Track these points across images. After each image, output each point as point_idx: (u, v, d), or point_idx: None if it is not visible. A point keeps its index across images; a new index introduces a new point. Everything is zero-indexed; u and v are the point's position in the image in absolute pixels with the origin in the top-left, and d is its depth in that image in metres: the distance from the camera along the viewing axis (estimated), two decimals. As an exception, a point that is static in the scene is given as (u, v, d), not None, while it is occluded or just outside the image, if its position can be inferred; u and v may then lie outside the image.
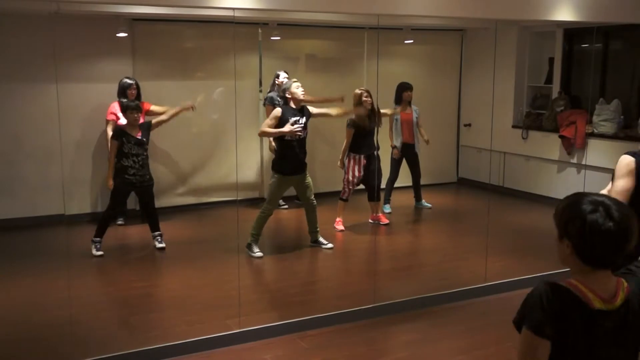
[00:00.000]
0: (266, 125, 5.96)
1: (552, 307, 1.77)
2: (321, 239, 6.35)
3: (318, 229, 6.37)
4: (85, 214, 7.24)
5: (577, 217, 1.79)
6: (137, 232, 6.86)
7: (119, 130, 6.11)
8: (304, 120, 5.98)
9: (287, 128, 5.85)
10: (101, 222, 6.08)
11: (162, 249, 6.22)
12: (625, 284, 1.86)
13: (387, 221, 7.26)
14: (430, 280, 5.49)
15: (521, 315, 1.84)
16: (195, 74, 7.86)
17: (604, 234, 1.75)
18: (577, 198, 1.84)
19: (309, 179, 6.20)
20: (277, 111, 5.96)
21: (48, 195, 6.98)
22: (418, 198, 8.09)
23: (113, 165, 6.03)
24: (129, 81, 6.86)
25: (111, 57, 7.31)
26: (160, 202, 7.47)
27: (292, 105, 5.99)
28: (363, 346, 4.34)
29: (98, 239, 6.03)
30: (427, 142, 7.72)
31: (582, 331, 1.79)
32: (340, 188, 7.04)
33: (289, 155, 6.00)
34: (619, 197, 2.90)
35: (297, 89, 5.97)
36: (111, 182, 6.02)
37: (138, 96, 6.87)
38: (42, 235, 6.71)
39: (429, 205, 8.08)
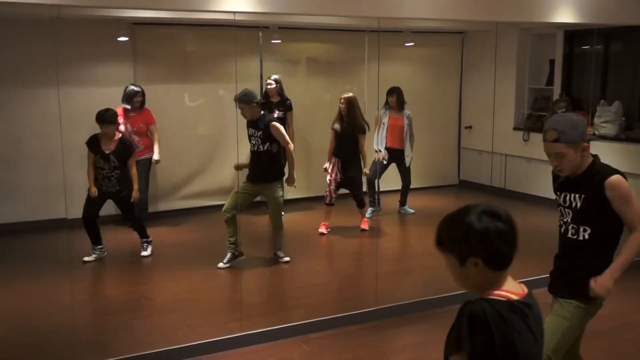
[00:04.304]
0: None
1: (497, 321, 1.74)
2: (280, 253, 6.09)
3: (279, 249, 6.10)
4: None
5: (471, 232, 1.82)
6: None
7: (91, 139, 5.93)
8: (259, 133, 5.78)
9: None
10: (85, 228, 5.94)
11: (146, 256, 6.13)
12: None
13: (366, 227, 7.05)
14: (432, 283, 5.48)
15: (461, 337, 1.76)
16: (196, 78, 7.86)
17: (502, 234, 1.82)
18: (455, 218, 1.89)
19: (271, 194, 5.83)
20: None
21: (50, 199, 6.98)
22: (402, 203, 8.04)
23: (90, 170, 5.90)
24: (135, 89, 6.86)
25: (112, 61, 7.32)
26: (161, 206, 7.52)
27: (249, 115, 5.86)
28: (366, 349, 4.34)
29: (96, 245, 6.02)
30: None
31: (523, 330, 1.79)
32: (323, 193, 7.00)
33: (251, 163, 5.91)
34: None
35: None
36: (94, 189, 5.86)
37: (142, 103, 6.91)
38: (44, 240, 6.71)
39: (412, 210, 7.98)
